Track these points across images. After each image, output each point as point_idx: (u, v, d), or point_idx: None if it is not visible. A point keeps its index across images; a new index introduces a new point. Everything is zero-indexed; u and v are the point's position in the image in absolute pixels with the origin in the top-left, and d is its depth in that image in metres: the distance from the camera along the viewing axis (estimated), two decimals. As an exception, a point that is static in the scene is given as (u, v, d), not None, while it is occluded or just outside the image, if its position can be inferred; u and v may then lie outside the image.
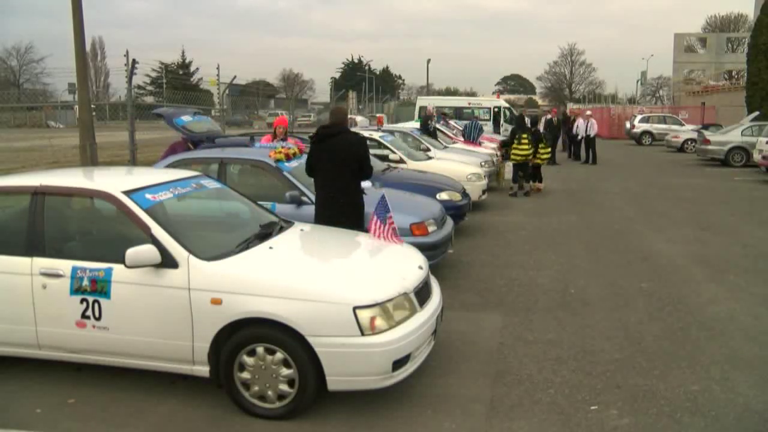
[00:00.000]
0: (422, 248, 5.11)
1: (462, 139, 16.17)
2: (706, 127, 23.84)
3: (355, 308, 3.52)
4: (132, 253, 3.61)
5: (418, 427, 3.63)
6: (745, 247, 8.31)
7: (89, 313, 3.83)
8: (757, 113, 22.46)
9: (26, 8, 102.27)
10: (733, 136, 19.83)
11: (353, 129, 15.73)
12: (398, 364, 3.61)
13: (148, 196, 4.07)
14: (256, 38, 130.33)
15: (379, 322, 3.56)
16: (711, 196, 13.23)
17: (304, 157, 7.15)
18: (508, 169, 13.84)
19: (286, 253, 4.19)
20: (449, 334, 4.83)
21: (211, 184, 5.04)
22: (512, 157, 12.98)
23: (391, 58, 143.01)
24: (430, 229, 6.38)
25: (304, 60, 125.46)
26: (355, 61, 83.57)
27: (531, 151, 12.87)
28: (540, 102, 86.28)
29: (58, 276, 3.87)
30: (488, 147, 15.67)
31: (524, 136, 12.77)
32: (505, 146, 14.05)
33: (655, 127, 30.77)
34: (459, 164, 11.34)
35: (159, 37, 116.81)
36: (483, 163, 12.27)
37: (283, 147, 6.79)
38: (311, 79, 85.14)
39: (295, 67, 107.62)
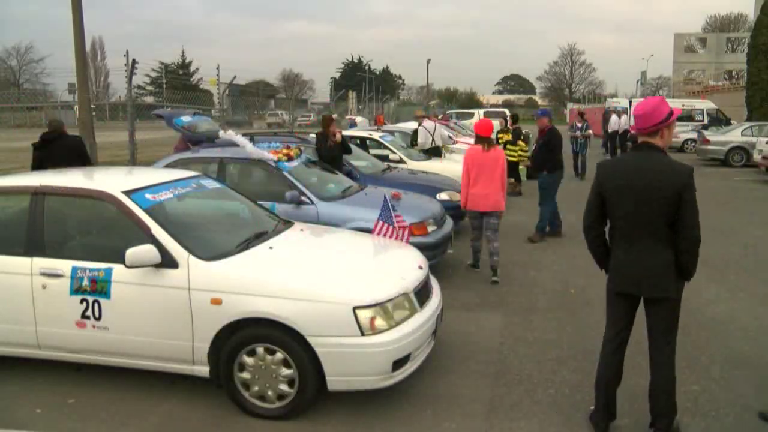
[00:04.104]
0: (422, 248, 5.11)
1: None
2: (706, 126, 23.83)
3: (355, 308, 3.52)
4: (132, 253, 3.61)
5: (418, 427, 3.63)
6: (745, 247, 8.31)
7: (89, 313, 3.83)
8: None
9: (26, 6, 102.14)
10: (733, 136, 19.81)
11: (353, 129, 15.77)
12: (398, 364, 3.61)
13: (148, 196, 4.07)
14: (259, 24, 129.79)
15: (379, 322, 3.56)
16: (711, 196, 13.21)
17: (304, 157, 7.17)
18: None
19: (286, 253, 4.19)
20: (449, 334, 4.83)
21: (211, 184, 5.05)
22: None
23: (391, 59, 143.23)
24: (430, 229, 6.38)
25: (305, 55, 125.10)
26: (355, 61, 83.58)
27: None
28: (540, 102, 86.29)
29: (58, 276, 3.87)
30: None
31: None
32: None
33: None
34: (459, 164, 11.31)
35: (152, 25, 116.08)
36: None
37: (281, 149, 6.79)
38: (311, 79, 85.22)
39: (296, 66, 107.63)
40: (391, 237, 5.03)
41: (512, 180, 13.57)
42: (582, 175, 15.71)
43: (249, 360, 3.65)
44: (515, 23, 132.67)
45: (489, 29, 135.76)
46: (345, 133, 12.48)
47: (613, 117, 21.69)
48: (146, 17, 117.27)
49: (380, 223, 5.10)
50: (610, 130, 21.74)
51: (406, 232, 5.14)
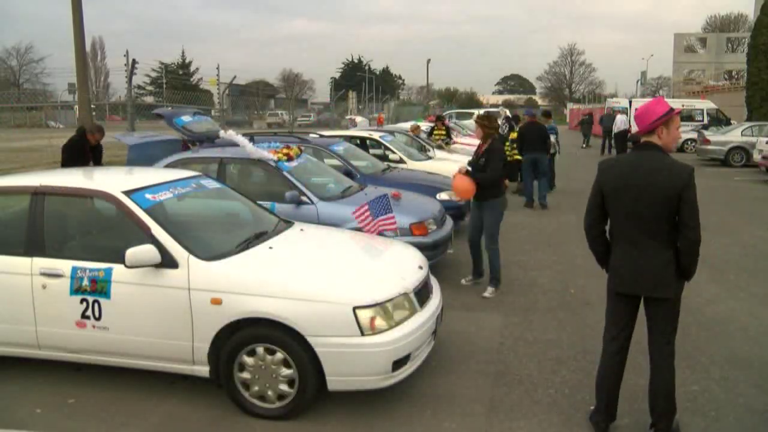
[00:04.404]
0: (422, 248, 5.11)
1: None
2: (706, 126, 23.84)
3: (355, 308, 3.52)
4: (132, 253, 3.61)
5: (418, 427, 3.63)
6: (745, 247, 8.31)
7: (89, 313, 3.83)
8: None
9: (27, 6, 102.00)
10: (733, 136, 19.82)
11: (353, 129, 15.75)
12: (398, 364, 3.61)
13: (148, 196, 4.07)
14: (259, 23, 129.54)
15: (379, 322, 3.56)
16: (711, 196, 13.22)
17: (305, 157, 7.18)
18: None
19: (286, 253, 4.19)
20: (449, 334, 4.83)
21: (211, 184, 5.05)
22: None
23: (391, 59, 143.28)
24: (430, 228, 6.38)
25: (305, 55, 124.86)
26: (355, 61, 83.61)
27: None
28: (540, 102, 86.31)
29: (58, 276, 3.87)
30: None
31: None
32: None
33: None
34: (459, 164, 11.33)
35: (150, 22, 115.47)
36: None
37: (281, 149, 6.80)
38: (311, 79, 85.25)
39: (296, 66, 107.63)
40: (366, 228, 5.08)
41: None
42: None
43: (249, 360, 3.65)
44: (515, 23, 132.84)
45: (489, 28, 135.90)
46: (344, 133, 12.51)
47: (620, 117, 22.17)
48: (145, 15, 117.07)
49: (365, 210, 5.13)
50: (616, 130, 21.83)
51: (385, 230, 5.17)
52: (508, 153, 12.98)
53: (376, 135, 11.69)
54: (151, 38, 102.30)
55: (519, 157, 13.09)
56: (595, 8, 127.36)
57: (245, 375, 3.68)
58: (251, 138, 7.37)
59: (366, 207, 5.16)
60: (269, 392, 3.66)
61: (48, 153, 17.12)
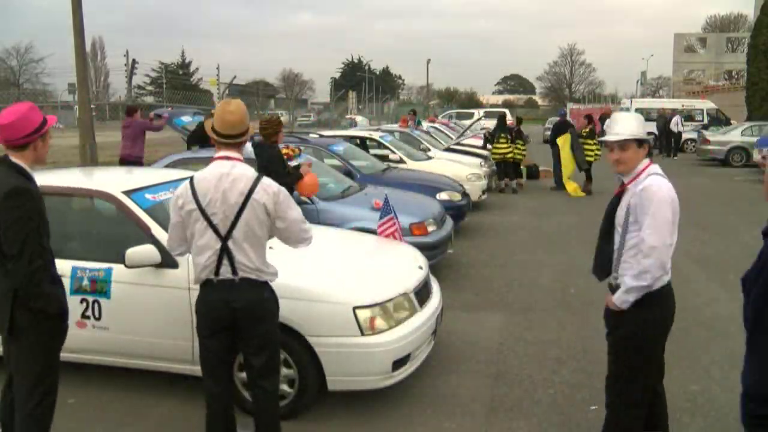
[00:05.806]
0: (422, 248, 5.11)
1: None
2: (706, 126, 23.86)
3: (355, 308, 3.52)
4: (132, 253, 3.60)
5: (418, 427, 3.63)
6: (745, 247, 8.30)
7: (89, 313, 3.83)
8: None
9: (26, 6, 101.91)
10: (733, 136, 19.83)
11: (353, 129, 15.70)
12: (398, 364, 3.61)
13: (148, 196, 4.07)
14: (258, 21, 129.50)
15: (379, 322, 3.56)
16: (711, 196, 13.23)
17: (304, 156, 7.16)
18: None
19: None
20: (449, 334, 4.83)
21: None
22: (493, 156, 13.37)
23: (391, 58, 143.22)
24: (430, 229, 6.38)
25: (305, 54, 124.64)
26: (355, 61, 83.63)
27: (510, 150, 13.29)
28: (540, 102, 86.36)
29: (57, 276, 3.86)
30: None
31: (502, 136, 13.17)
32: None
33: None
34: (459, 164, 11.34)
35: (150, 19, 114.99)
36: (482, 163, 12.27)
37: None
38: (311, 79, 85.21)
39: (296, 66, 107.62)
40: (389, 236, 5.07)
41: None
42: None
43: (249, 360, 3.64)
44: (516, 22, 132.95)
45: (490, 27, 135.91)
46: (344, 133, 12.51)
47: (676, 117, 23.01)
48: (144, 11, 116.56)
49: (385, 222, 5.15)
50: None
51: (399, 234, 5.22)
52: (509, 153, 13.11)
53: (376, 135, 11.69)
54: (151, 35, 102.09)
55: (520, 157, 13.30)
56: (596, 8, 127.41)
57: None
58: (251, 137, 7.34)
59: (387, 218, 5.19)
60: (269, 392, 3.65)
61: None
